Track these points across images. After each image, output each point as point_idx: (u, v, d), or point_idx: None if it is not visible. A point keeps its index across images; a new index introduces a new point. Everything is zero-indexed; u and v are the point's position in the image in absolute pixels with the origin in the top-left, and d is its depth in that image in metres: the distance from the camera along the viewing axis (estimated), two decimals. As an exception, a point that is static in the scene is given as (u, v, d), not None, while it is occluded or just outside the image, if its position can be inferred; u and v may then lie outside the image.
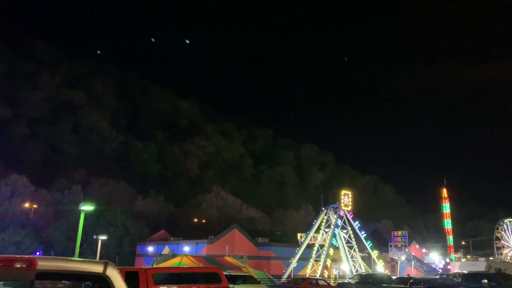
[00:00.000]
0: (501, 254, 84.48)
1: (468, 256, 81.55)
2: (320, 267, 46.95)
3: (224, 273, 27.61)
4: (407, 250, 61.67)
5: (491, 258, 69.11)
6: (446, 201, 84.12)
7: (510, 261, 55.31)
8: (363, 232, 50.85)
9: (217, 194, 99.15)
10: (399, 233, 63.05)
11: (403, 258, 60.60)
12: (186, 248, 60.09)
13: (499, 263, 49.63)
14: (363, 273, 42.38)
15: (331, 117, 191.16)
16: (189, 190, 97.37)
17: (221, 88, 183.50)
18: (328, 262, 47.52)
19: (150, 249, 65.78)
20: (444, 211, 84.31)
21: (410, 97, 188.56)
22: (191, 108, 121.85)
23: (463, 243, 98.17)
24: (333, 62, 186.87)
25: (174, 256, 50.01)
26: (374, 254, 51.20)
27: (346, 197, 51.22)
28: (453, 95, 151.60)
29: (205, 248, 58.26)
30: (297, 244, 53.79)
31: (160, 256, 54.25)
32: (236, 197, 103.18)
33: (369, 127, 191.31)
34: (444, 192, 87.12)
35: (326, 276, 46.53)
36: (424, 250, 77.49)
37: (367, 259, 55.36)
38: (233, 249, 59.50)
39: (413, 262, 60.11)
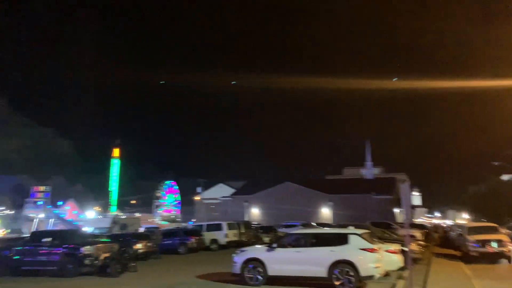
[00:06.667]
0: (158, 211, 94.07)
1: (138, 214, 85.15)
2: None
3: None
4: (48, 207, 57.10)
5: (138, 214, 74.18)
6: (116, 177, 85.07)
7: (136, 217, 59.32)
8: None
9: None
10: (41, 188, 57.50)
11: (42, 215, 55.59)
12: None
13: (125, 219, 51.74)
14: None
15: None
16: None
17: None
18: None
19: None
20: (110, 185, 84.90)
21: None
22: None
23: (133, 201, 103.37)
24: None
25: None
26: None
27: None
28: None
29: None
30: None
31: None
32: None
33: (56, 70, 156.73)
34: (116, 151, 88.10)
35: None
36: (93, 208, 75.59)
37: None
38: None
39: (52, 220, 56.10)
